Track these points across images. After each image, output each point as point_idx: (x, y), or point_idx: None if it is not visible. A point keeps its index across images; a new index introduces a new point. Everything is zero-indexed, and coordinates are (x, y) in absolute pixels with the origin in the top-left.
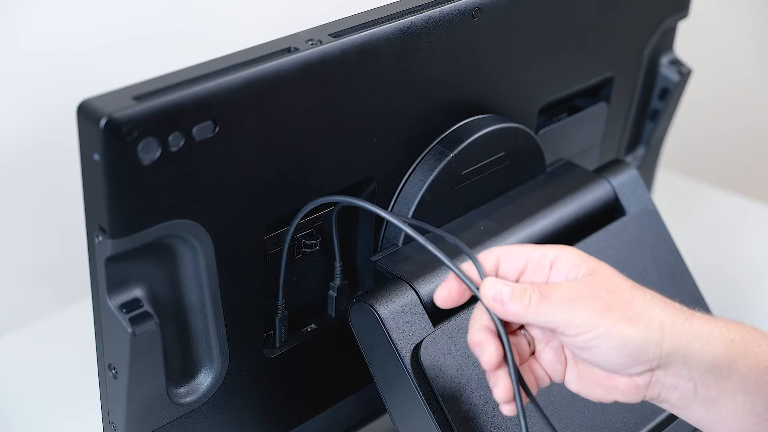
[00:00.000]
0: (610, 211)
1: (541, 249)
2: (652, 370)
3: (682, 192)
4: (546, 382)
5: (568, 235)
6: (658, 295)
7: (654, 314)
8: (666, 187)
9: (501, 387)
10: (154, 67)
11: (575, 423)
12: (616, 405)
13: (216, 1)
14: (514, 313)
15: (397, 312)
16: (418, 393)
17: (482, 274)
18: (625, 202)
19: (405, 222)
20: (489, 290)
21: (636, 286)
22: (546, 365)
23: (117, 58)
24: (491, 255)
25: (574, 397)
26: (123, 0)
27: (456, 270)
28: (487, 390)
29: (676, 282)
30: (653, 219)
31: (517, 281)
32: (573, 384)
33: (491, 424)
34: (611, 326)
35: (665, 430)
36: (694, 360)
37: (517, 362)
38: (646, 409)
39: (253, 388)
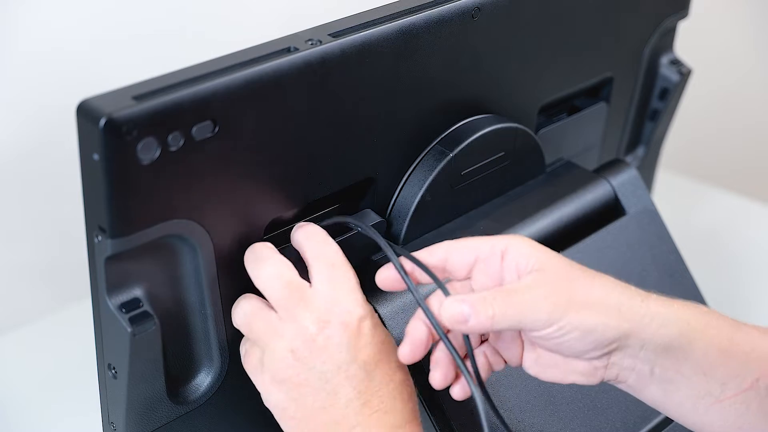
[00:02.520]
0: (610, 211)
1: (490, 241)
2: (610, 353)
3: (682, 192)
4: (501, 366)
5: (568, 235)
6: (611, 279)
7: (612, 298)
8: (666, 187)
9: (439, 372)
10: (154, 67)
11: (575, 423)
12: (616, 405)
13: (216, 1)
14: (481, 326)
15: (397, 312)
16: (418, 393)
17: (446, 292)
18: (625, 202)
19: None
20: (449, 312)
21: (591, 274)
22: (501, 351)
23: (117, 58)
24: (439, 249)
25: (574, 396)
26: (123, 0)
27: (420, 301)
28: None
29: (676, 282)
30: (653, 219)
31: (468, 275)
32: (531, 368)
33: (491, 424)
34: (574, 316)
35: (665, 430)
36: (651, 342)
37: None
38: (646, 408)
39: (253, 388)
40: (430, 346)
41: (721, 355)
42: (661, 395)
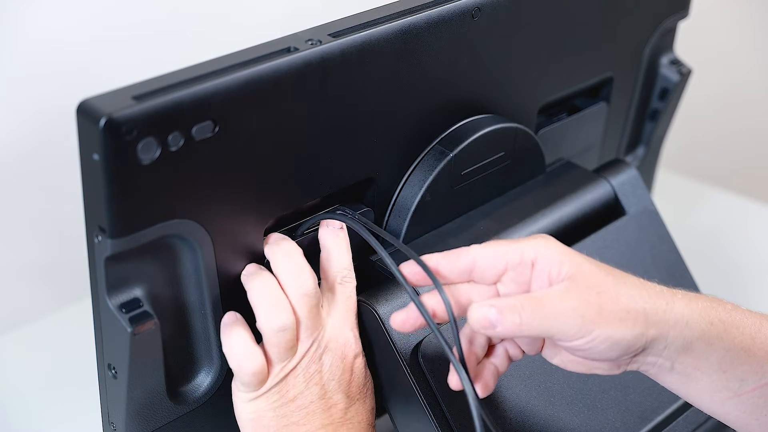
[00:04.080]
0: (610, 211)
1: (519, 247)
2: (635, 355)
3: (682, 192)
4: (519, 357)
5: (568, 235)
6: (638, 282)
7: (639, 306)
8: (666, 187)
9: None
10: (154, 67)
11: (575, 423)
12: (616, 405)
13: (216, 1)
14: (508, 332)
15: (397, 312)
16: (418, 393)
17: (448, 307)
18: (625, 202)
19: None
20: (476, 316)
21: (619, 279)
22: (521, 344)
23: (117, 58)
24: (467, 255)
25: (574, 397)
26: (123, 0)
27: (414, 298)
28: None
29: (676, 282)
30: (653, 219)
31: (497, 281)
32: (554, 360)
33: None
34: (604, 329)
35: (665, 430)
36: (674, 343)
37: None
38: (646, 408)
39: None
40: (421, 326)
41: (742, 354)
42: (679, 386)
